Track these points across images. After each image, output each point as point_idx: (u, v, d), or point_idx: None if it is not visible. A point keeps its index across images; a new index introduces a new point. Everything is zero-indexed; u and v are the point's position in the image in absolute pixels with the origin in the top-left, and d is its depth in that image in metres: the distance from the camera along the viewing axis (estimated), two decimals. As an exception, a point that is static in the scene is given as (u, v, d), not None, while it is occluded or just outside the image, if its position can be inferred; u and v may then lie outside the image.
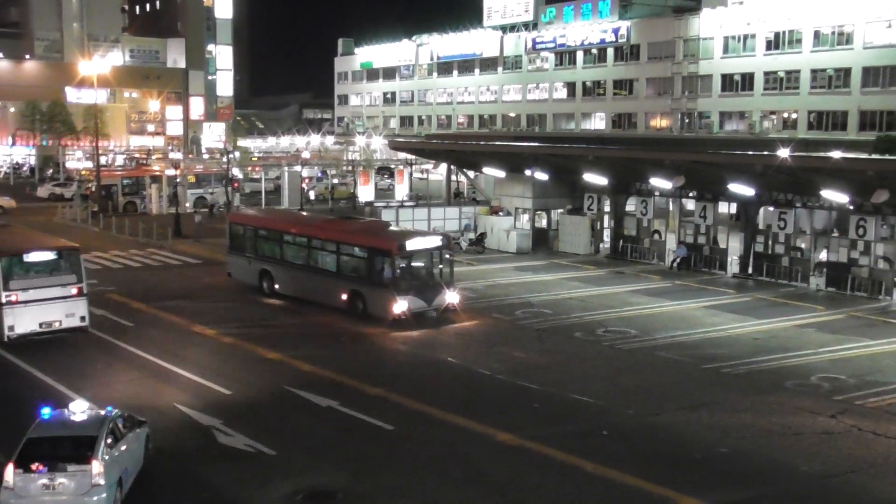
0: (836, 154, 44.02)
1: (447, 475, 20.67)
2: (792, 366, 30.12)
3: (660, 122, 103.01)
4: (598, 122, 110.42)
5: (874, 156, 53.09)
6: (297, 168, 78.62)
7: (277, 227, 40.54)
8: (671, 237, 51.04)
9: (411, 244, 35.47)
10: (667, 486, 20.03)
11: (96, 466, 17.84)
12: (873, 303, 40.25)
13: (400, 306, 34.34)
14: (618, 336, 33.91)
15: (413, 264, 35.77)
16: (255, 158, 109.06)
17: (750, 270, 46.30)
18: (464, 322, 35.28)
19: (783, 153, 40.27)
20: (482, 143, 67.15)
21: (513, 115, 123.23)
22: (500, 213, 57.77)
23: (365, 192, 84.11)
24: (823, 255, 44.29)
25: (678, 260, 48.70)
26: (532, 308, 38.11)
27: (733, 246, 47.90)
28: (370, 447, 22.36)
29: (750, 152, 48.63)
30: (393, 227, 39.76)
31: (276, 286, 39.92)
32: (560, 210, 56.04)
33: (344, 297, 36.43)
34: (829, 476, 20.91)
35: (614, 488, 20.07)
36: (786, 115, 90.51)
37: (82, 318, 31.63)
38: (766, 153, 45.13)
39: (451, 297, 35.79)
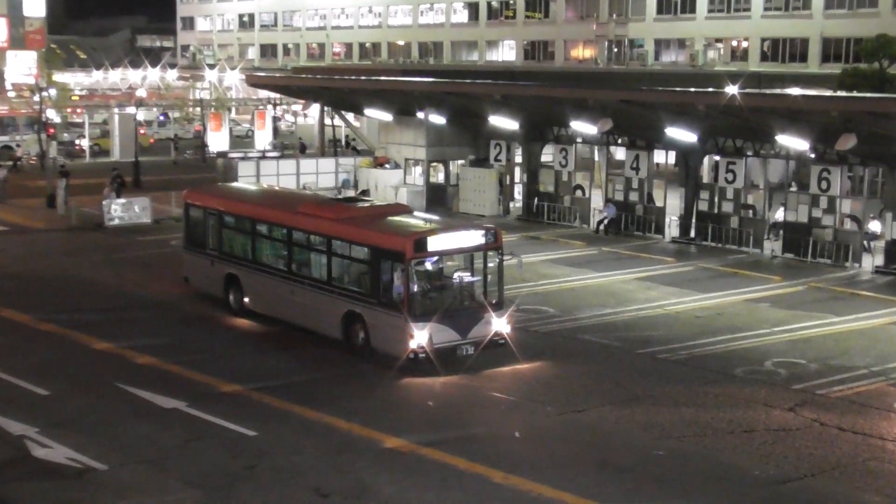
0: (795, 91, 44.95)
1: (323, 490, 20.69)
2: (742, 349, 30.78)
3: (582, 53, 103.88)
4: (506, 53, 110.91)
5: (839, 93, 54.30)
6: (131, 109, 77.31)
7: (247, 211, 35.02)
8: (597, 194, 51.61)
9: (435, 242, 29.07)
10: (592, 498, 20.27)
11: None
12: (838, 271, 41.28)
13: (418, 339, 28.04)
14: (533, 316, 34.20)
15: (439, 274, 30.14)
16: (77, 97, 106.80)
17: (692, 234, 47.08)
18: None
19: (731, 90, 40.91)
20: (363, 78, 66.91)
21: (401, 43, 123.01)
22: (387, 166, 57.71)
23: (217, 140, 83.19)
24: (780, 215, 45.23)
25: (605, 222, 49.28)
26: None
27: (672, 204, 48.63)
28: (228, 458, 22.29)
29: (692, 89, 49.30)
30: (415, 216, 32.53)
31: (247, 300, 34.51)
32: (461, 161, 56.18)
33: (337, 321, 30.44)
34: (786, 480, 21.41)
35: (529, 502, 20.33)
36: (735, 43, 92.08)
37: None
38: (710, 90, 45.78)
39: (500, 324, 29.44)
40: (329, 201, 35.04)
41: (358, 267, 30.35)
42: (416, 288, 28.53)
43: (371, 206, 33.38)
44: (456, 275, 30.04)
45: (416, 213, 33.20)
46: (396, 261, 28.34)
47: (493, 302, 29.63)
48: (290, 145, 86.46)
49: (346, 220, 31.10)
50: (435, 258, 29.54)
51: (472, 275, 29.95)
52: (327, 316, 30.80)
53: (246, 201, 36.24)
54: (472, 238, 29.73)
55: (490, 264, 29.79)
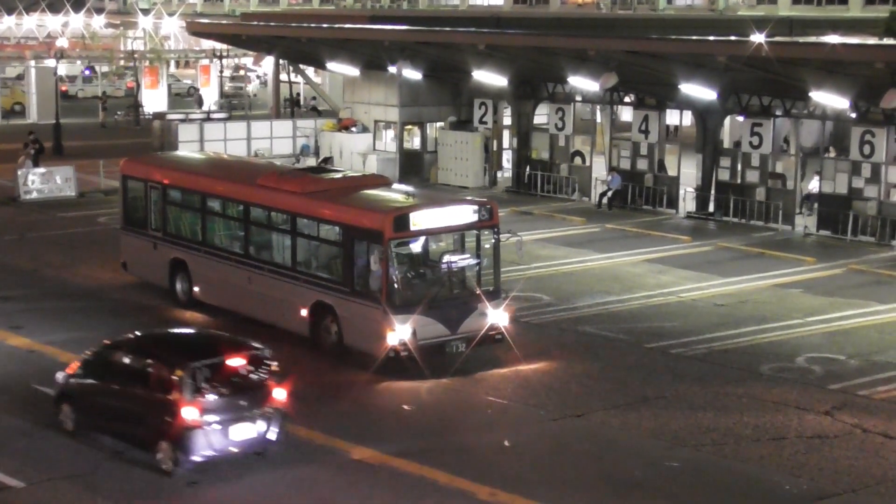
0: (833, 39, 44.94)
1: (280, 509, 20.71)
2: (770, 343, 30.84)
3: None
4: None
5: (886, 41, 54.32)
6: (51, 62, 76.88)
7: (197, 185, 34.72)
8: (599, 162, 51.61)
9: (419, 219, 28.70)
10: (595, 518, 20.41)
11: None
12: (884, 250, 41.34)
13: (399, 334, 27.78)
14: (525, 305, 34.14)
15: (424, 257, 29.80)
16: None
17: (710, 208, 47.13)
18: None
19: (758, 38, 40.92)
20: (325, 26, 66.74)
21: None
22: (353, 129, 57.58)
23: (153, 99, 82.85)
24: (814, 185, 45.25)
25: (609, 194, 49.27)
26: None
27: (687, 173, 48.63)
28: (161, 472, 22.26)
29: (711, 38, 49.28)
30: (395, 189, 32.65)
31: (196, 289, 34.37)
32: (440, 124, 56.11)
33: (304, 313, 30.33)
34: (822, 497, 21.44)
35: (520, 523, 20.38)
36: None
37: None
38: (733, 39, 45.78)
39: (496, 316, 29.25)
40: (294, 173, 34.84)
41: (328, 250, 30.24)
42: (396, 274, 28.28)
43: (343, 178, 33.16)
44: (444, 258, 29.54)
45: (396, 186, 33.15)
46: (373, 241, 28.05)
47: (489, 290, 29.41)
48: (238, 105, 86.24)
49: (314, 194, 30.92)
50: (419, 238, 29.15)
51: (464, 258, 29.68)
52: (292, 308, 30.60)
53: (195, 173, 35.89)
54: (463, 214, 29.54)
55: (485, 245, 29.66)
